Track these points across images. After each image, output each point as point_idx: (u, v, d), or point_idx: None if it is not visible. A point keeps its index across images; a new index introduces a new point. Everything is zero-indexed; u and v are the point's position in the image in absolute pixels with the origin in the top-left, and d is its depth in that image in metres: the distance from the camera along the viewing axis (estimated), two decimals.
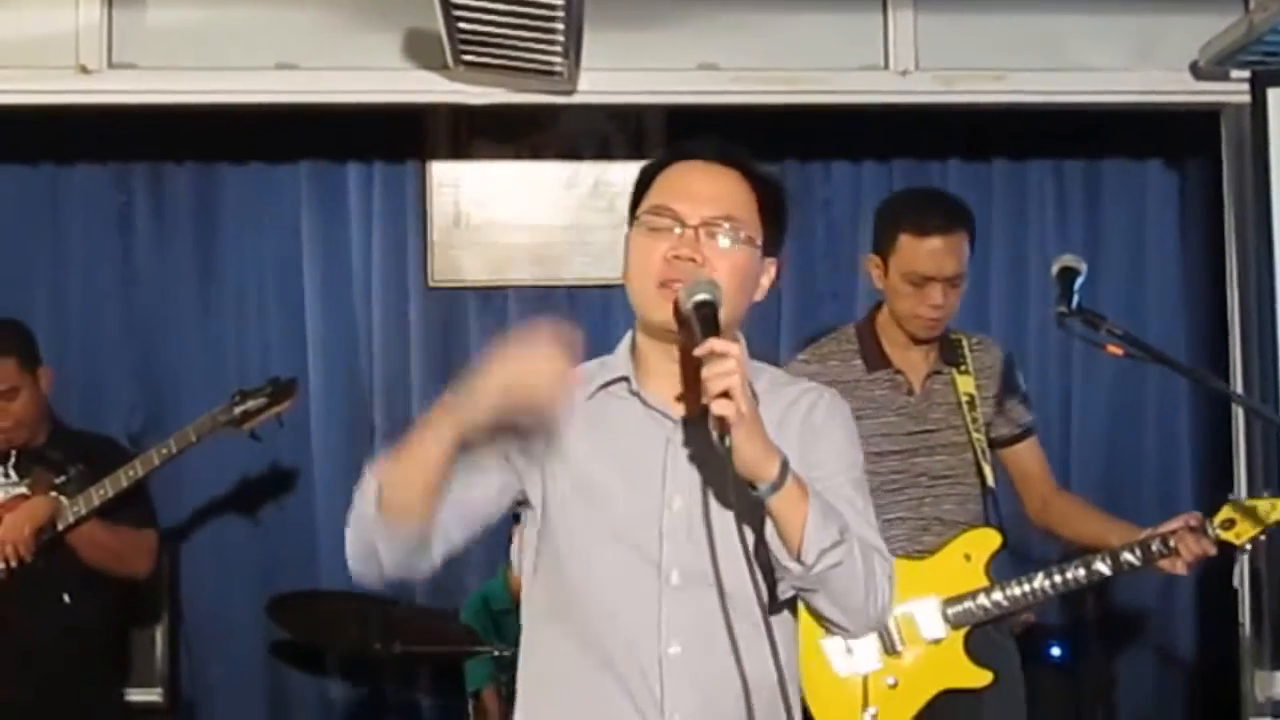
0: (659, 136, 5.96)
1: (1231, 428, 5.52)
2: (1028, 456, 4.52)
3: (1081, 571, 4.22)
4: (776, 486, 2.47)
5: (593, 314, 5.99)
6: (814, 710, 4.14)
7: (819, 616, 2.65)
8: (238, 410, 4.78)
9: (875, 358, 4.35)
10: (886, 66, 5.33)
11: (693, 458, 2.66)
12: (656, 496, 2.66)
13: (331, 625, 5.33)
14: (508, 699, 3.01)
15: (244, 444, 5.42)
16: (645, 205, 2.70)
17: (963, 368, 4.39)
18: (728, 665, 2.63)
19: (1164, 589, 5.97)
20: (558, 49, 4.77)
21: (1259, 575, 5.30)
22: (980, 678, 4.25)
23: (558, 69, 4.94)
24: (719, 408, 2.40)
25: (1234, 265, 5.51)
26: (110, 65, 5.04)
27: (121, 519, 4.82)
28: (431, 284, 6.03)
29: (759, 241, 2.70)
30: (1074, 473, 6.01)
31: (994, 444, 4.46)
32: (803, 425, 2.74)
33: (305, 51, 5.11)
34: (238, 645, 5.89)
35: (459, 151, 6.00)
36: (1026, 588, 4.25)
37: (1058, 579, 4.23)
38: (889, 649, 4.21)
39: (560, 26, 4.57)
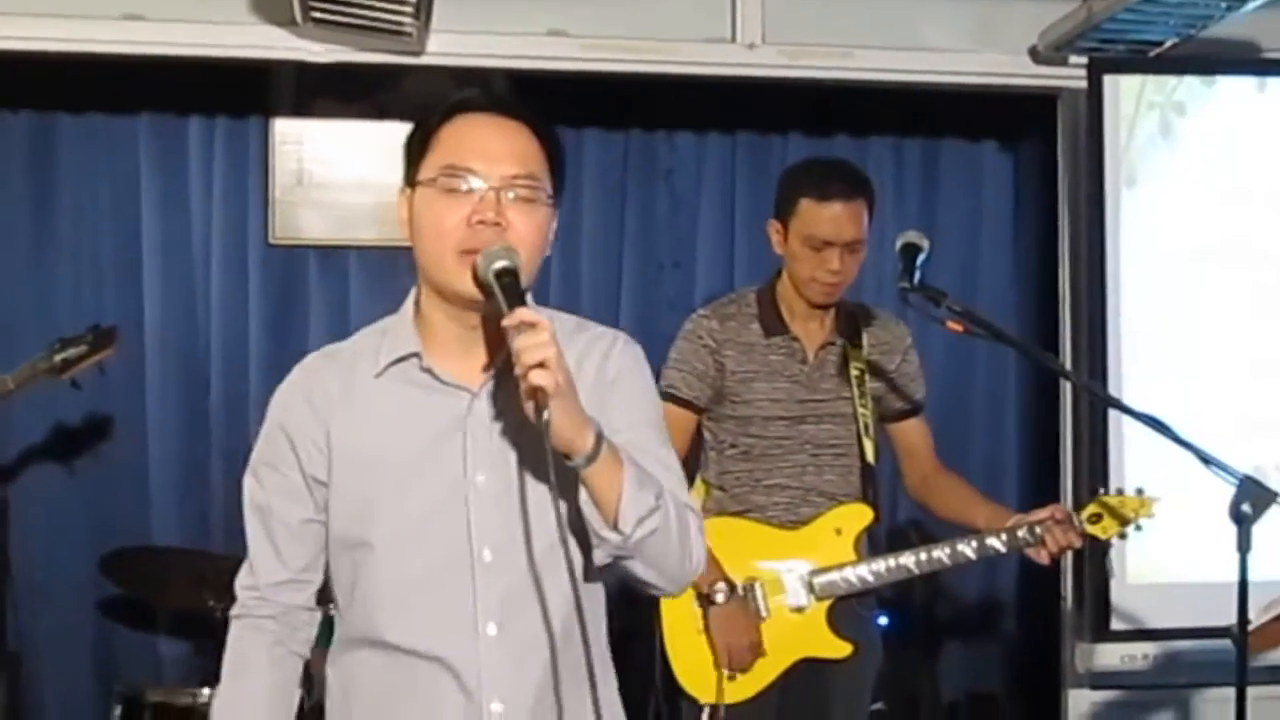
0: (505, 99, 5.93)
1: (1059, 411, 5.65)
2: (913, 432, 4.61)
3: (946, 552, 4.32)
4: (592, 458, 2.39)
5: None
6: (678, 671, 4.26)
7: (636, 580, 2.57)
8: (57, 358, 4.69)
9: (773, 323, 4.40)
10: (734, 39, 5.38)
11: (494, 429, 2.56)
12: (459, 474, 2.56)
13: (164, 581, 5.27)
14: None
15: (78, 398, 5.42)
16: (433, 163, 2.56)
17: (857, 341, 4.45)
18: (541, 641, 2.56)
19: (989, 562, 6.07)
20: (408, 9, 4.75)
21: (1081, 550, 5.42)
22: (840, 649, 4.34)
23: (407, 29, 4.93)
24: (536, 378, 2.30)
25: (1066, 247, 5.65)
26: None
27: None
28: (272, 241, 5.96)
29: (551, 197, 2.59)
30: None
31: (884, 418, 4.55)
32: (597, 375, 2.63)
33: (152, 2, 5.04)
34: (66, 601, 5.79)
35: (303, 109, 5.94)
36: (891, 564, 4.33)
37: (923, 558, 4.33)
38: (754, 614, 4.27)
39: None
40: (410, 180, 2.61)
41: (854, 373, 4.41)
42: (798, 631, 4.31)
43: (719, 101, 6.01)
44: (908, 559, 4.34)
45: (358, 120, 5.96)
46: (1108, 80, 5.39)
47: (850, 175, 4.38)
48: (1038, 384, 6.10)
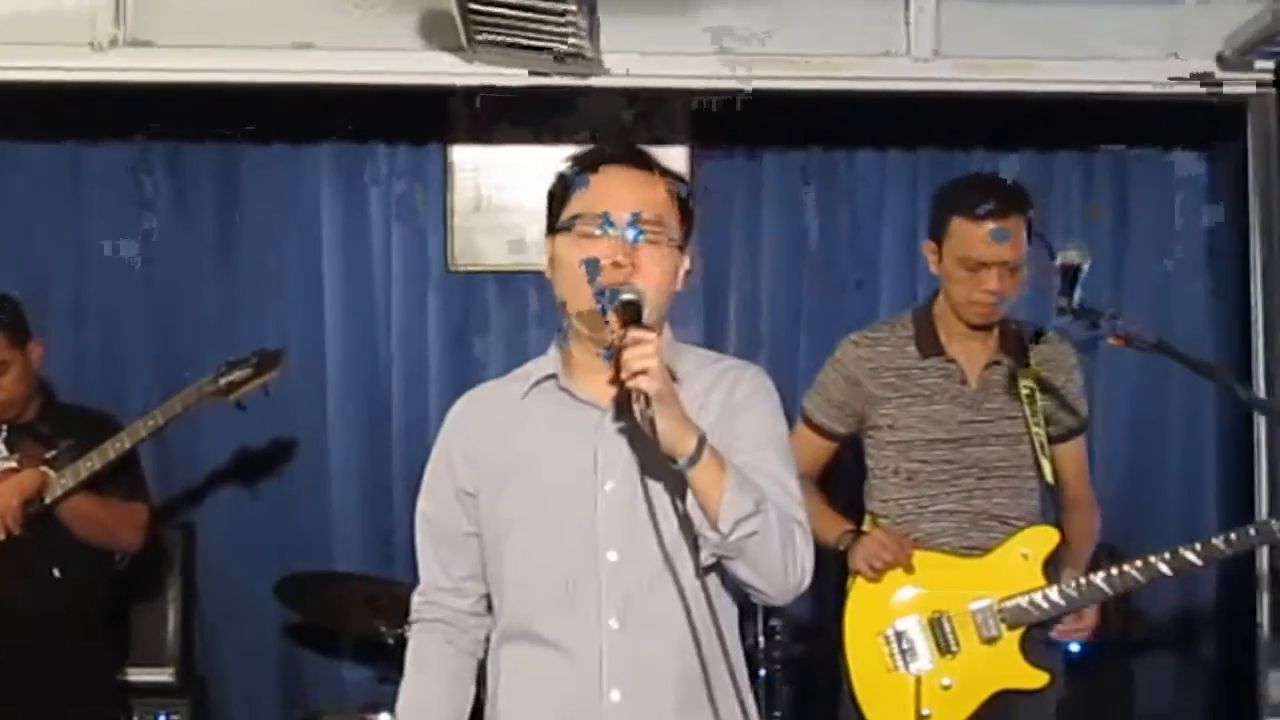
0: (680, 122, 5.92)
1: (1253, 430, 5.45)
2: (1068, 455, 4.46)
3: (1139, 568, 4.19)
4: (694, 460, 2.63)
5: None
6: (867, 710, 4.18)
7: (741, 583, 2.80)
8: (223, 381, 4.75)
9: (929, 345, 4.32)
10: (908, 53, 5.27)
11: (622, 443, 2.82)
12: (590, 481, 2.83)
13: (342, 607, 5.32)
14: None
15: (261, 423, 5.50)
16: (570, 210, 2.87)
17: (1024, 360, 4.33)
18: (664, 637, 2.81)
19: (1185, 587, 5.90)
20: (570, 29, 4.74)
21: (1278, 573, 5.24)
22: (1036, 679, 4.24)
23: (574, 50, 4.91)
24: (638, 383, 2.57)
25: (1258, 258, 5.44)
26: (125, 43, 5.01)
27: (111, 492, 4.79)
28: (451, 267, 6.01)
29: (676, 239, 2.88)
30: (1096, 474, 5.90)
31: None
32: (725, 402, 2.89)
33: (322, 31, 5.09)
34: (251, 625, 5.90)
35: (481, 135, 5.97)
36: (1084, 584, 4.21)
37: (1115, 576, 4.20)
38: (944, 649, 4.19)
39: (571, 6, 4.55)
40: (551, 227, 2.93)
41: (1024, 391, 4.28)
42: (991, 664, 4.21)
43: (899, 118, 5.91)
44: (1099, 578, 4.21)
45: (534, 145, 5.97)
46: None
47: (1005, 192, 4.26)
48: (1235, 411, 5.89)
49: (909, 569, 4.22)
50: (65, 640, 4.73)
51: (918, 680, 4.15)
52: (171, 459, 5.73)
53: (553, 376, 2.92)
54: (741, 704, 2.75)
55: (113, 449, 4.65)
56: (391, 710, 5.05)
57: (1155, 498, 6.08)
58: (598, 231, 2.80)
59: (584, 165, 2.90)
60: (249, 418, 5.23)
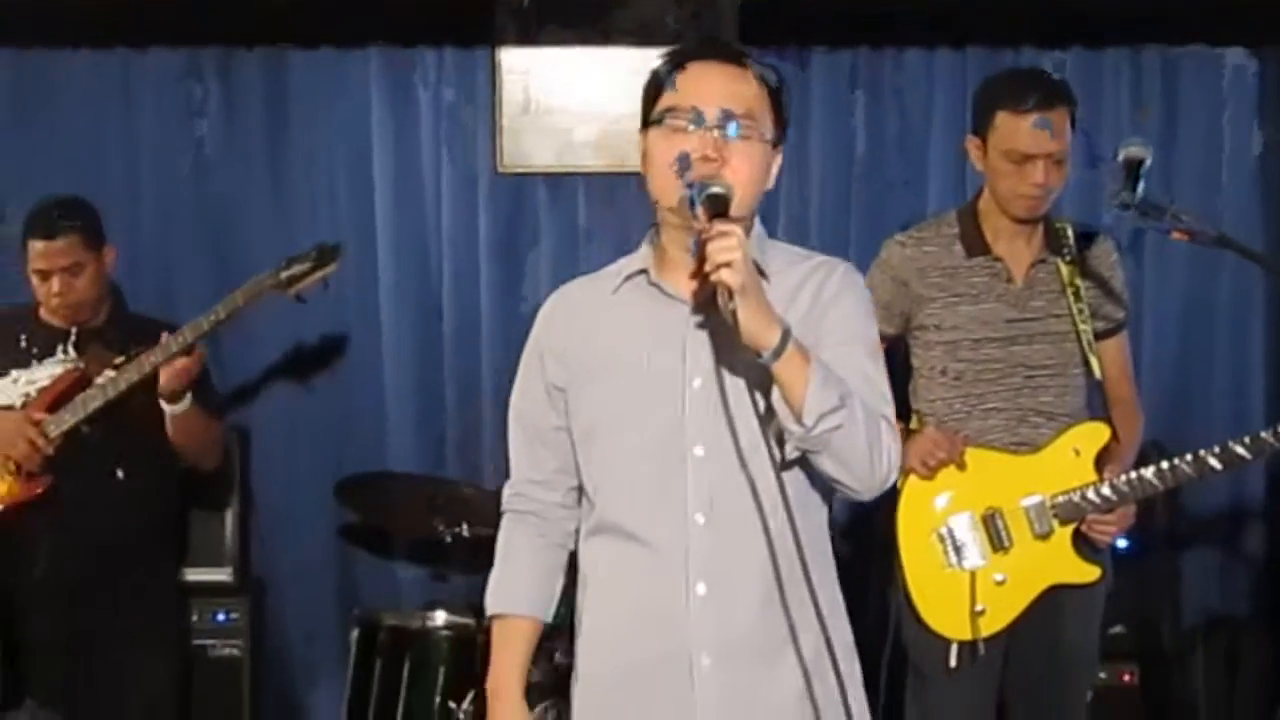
0: (729, 23, 5.91)
1: None
2: (1110, 352, 4.46)
3: (1190, 462, 4.21)
4: (778, 353, 2.63)
5: None
6: (921, 606, 4.23)
7: (828, 478, 2.80)
8: (283, 275, 4.79)
9: (975, 243, 4.34)
10: None
11: (711, 339, 2.83)
12: (678, 376, 2.86)
13: (398, 507, 5.39)
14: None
15: (314, 322, 5.59)
16: (662, 106, 2.87)
17: (1068, 256, 4.35)
18: (750, 533, 2.84)
19: (1234, 485, 5.93)
20: None
21: None
22: (1089, 573, 4.28)
23: None
24: (721, 276, 2.57)
25: None
26: None
27: (202, 407, 4.86)
28: (500, 170, 6.01)
29: (768, 135, 2.87)
30: (1144, 372, 5.95)
31: None
32: (814, 298, 2.91)
33: None
34: (306, 527, 5.97)
35: (528, 38, 5.96)
36: (1134, 478, 4.24)
37: (1166, 470, 4.22)
38: (997, 546, 4.22)
39: None
40: (644, 122, 2.92)
41: (1069, 287, 4.30)
42: (1044, 559, 4.24)
43: (947, 16, 5.89)
44: (1149, 472, 4.23)
45: (582, 47, 5.97)
46: None
47: (1048, 84, 4.28)
48: None
49: (961, 466, 4.25)
50: (127, 540, 4.82)
51: (972, 576, 4.19)
52: (224, 362, 5.76)
53: (643, 272, 2.94)
54: (815, 601, 2.72)
55: (175, 343, 4.67)
56: (447, 607, 5.24)
57: (1202, 394, 6.08)
58: (690, 127, 2.80)
59: (676, 60, 2.89)
60: (302, 319, 5.32)
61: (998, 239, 4.32)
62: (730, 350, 2.76)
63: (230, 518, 5.65)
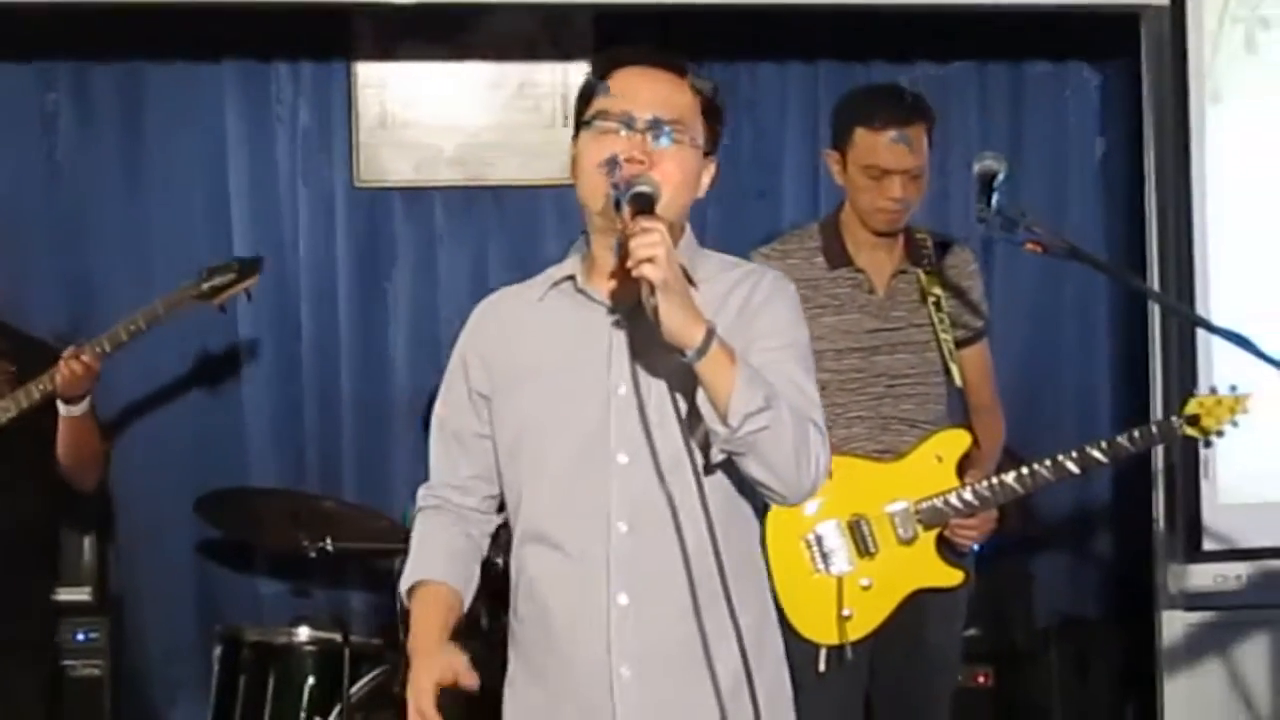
0: (585, 38, 5.96)
1: (1148, 329, 5.60)
2: (969, 362, 4.55)
3: (1048, 466, 4.32)
4: (702, 351, 2.61)
5: (519, 214, 6.05)
6: (789, 612, 4.17)
7: (755, 482, 2.79)
8: (205, 285, 4.78)
9: (837, 255, 4.40)
10: None
11: (637, 345, 2.77)
12: (602, 382, 2.85)
13: (260, 521, 5.35)
14: None
15: (172, 342, 5.49)
16: (592, 110, 2.87)
17: (928, 266, 4.43)
18: (673, 541, 2.82)
19: (1082, 488, 6.07)
20: None
21: (1173, 470, 5.41)
22: (952, 577, 4.36)
23: None
24: (643, 271, 2.55)
25: (1152, 165, 5.58)
26: None
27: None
28: (357, 184, 6.00)
29: (700, 142, 2.88)
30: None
31: None
32: (743, 304, 2.89)
33: None
34: (166, 544, 5.91)
35: (385, 52, 5.97)
36: (995, 484, 4.33)
37: (1025, 475, 4.33)
38: (863, 551, 4.29)
39: None
40: (577, 126, 2.92)
41: (930, 298, 4.39)
42: (909, 564, 4.32)
43: (799, 31, 5.98)
44: (1010, 478, 4.34)
45: (440, 61, 5.99)
46: None
47: (906, 101, 4.36)
48: (1127, 301, 6.05)
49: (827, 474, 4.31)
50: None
51: (839, 581, 4.26)
52: None
53: (571, 279, 2.93)
54: (733, 615, 2.68)
55: (91, 352, 4.62)
56: (311, 623, 5.23)
57: (1050, 399, 6.21)
58: (620, 130, 2.80)
59: (608, 64, 2.90)
60: (160, 336, 5.23)
61: (859, 250, 4.39)
62: (656, 355, 2.74)
63: (88, 536, 5.58)
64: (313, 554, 5.06)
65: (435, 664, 2.87)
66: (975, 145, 5.95)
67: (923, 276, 4.41)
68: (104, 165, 5.92)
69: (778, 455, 2.71)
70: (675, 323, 2.59)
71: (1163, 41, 5.45)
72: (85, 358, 4.61)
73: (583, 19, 5.94)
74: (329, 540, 5.07)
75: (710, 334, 2.62)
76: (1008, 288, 6.10)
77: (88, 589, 5.56)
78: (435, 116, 6.01)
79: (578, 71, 5.83)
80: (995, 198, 3.83)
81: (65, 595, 5.44)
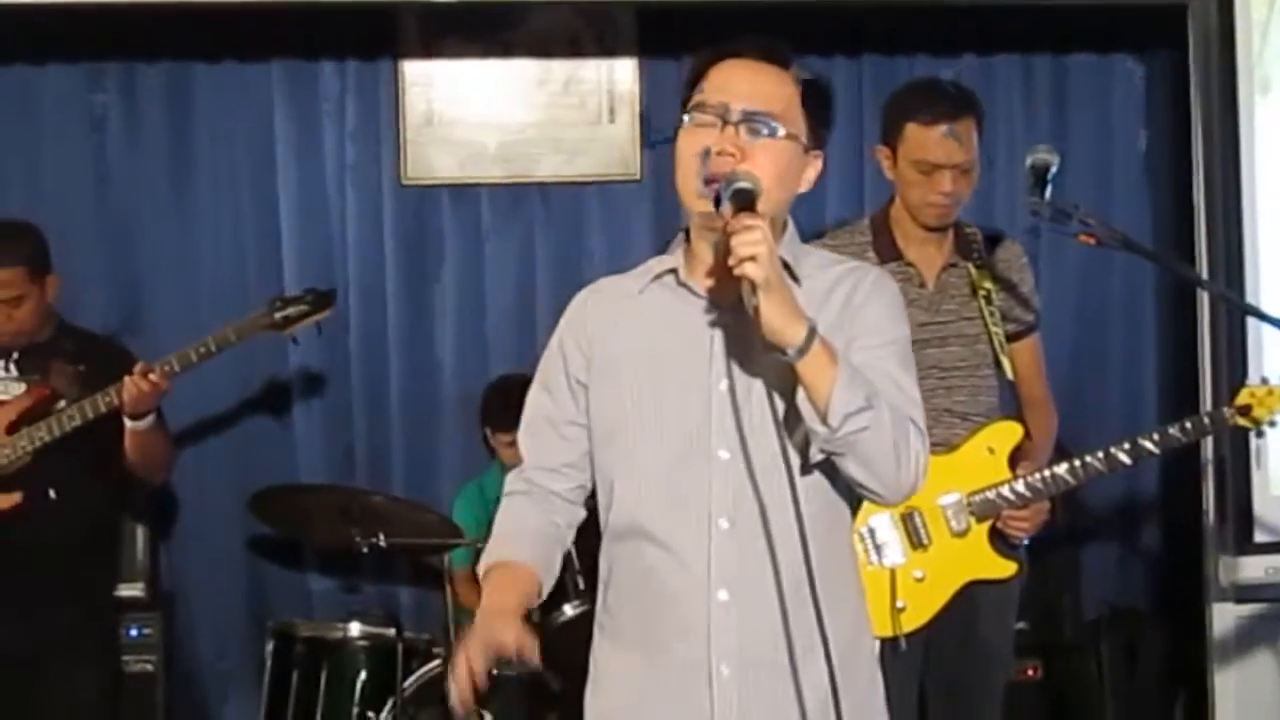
0: (629, 34, 5.98)
1: (1197, 321, 5.59)
2: (1021, 355, 4.54)
3: (1100, 458, 4.31)
4: (803, 350, 2.57)
5: (564, 211, 6.09)
6: None
7: (853, 482, 2.75)
8: (278, 315, 4.82)
9: (887, 250, 4.39)
10: None
11: (739, 341, 2.76)
12: (704, 379, 2.82)
13: (310, 518, 5.38)
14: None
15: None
16: (692, 103, 2.83)
17: (978, 260, 4.43)
18: (776, 540, 2.78)
19: (1129, 480, 6.07)
20: None
21: (1223, 462, 5.39)
22: (1005, 568, 4.36)
23: None
24: (745, 270, 2.51)
25: (1200, 156, 5.56)
26: None
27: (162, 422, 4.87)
28: (404, 182, 6.05)
29: (801, 136, 2.82)
30: None
31: None
32: (845, 302, 2.85)
33: None
34: (217, 541, 5.97)
35: (431, 50, 6.01)
36: (1047, 475, 4.33)
37: (1078, 466, 4.32)
38: (916, 544, 4.29)
39: None
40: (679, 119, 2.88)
41: (980, 291, 4.39)
42: (962, 556, 4.31)
43: (843, 25, 5.99)
44: (1062, 469, 4.33)
45: (485, 59, 6.02)
46: None
47: (955, 95, 4.36)
48: (1175, 293, 6.04)
49: None
50: (61, 562, 4.78)
51: (892, 574, 4.26)
52: None
53: (673, 271, 2.90)
54: (818, 613, 2.63)
55: (161, 371, 4.65)
56: (362, 618, 5.27)
57: (1097, 391, 6.22)
58: (708, 121, 2.77)
59: (712, 57, 2.86)
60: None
61: (909, 245, 4.39)
62: (756, 353, 2.70)
63: (141, 532, 5.64)
64: (364, 549, 5.08)
65: (506, 627, 2.77)
66: (1019, 138, 5.97)
67: (973, 270, 4.41)
68: (152, 165, 5.98)
69: (878, 455, 2.67)
70: (776, 322, 2.55)
71: (1210, 32, 5.42)
72: (154, 376, 4.63)
73: (627, 16, 5.96)
74: (380, 536, 5.09)
75: (812, 333, 2.58)
76: (1053, 281, 6.08)
77: (141, 585, 5.62)
78: (481, 114, 6.04)
79: (622, 68, 5.97)
80: (1048, 190, 3.83)
81: (119, 591, 5.48)
